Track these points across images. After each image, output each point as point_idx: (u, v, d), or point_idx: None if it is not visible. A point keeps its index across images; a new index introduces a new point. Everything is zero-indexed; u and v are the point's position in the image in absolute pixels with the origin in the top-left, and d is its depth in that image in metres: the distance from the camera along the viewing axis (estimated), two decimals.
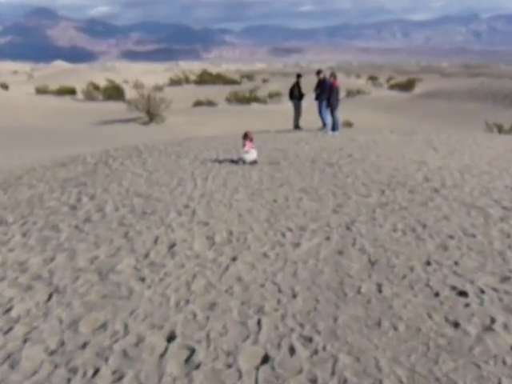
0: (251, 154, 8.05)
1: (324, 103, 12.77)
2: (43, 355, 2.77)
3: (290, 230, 4.74)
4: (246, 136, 8.22)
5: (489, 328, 2.91)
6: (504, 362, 2.58)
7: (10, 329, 3.05)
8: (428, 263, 3.90)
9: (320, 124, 13.50)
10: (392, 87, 59.24)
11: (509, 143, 11.09)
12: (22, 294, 3.52)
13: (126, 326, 3.03)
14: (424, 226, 4.80)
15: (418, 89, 52.93)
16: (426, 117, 30.28)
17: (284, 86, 42.27)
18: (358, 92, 46.45)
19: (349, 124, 21.97)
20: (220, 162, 8.31)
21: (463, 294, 3.36)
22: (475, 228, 4.72)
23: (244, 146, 8.11)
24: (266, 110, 32.55)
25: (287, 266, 3.90)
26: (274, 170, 7.61)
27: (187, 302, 3.33)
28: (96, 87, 48.38)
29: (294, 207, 5.53)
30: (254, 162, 8.01)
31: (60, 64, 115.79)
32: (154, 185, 6.76)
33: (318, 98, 13.00)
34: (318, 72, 13.12)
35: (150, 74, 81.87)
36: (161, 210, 5.51)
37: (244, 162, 7.98)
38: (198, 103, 37.69)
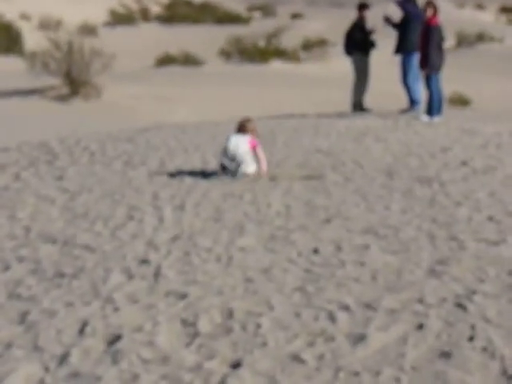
0: (248, 164, 8.13)
1: (413, 60, 12.85)
2: None
3: (346, 308, 4.76)
4: (241, 128, 8.39)
5: None
6: None
7: None
8: None
9: (405, 101, 13.60)
10: None
11: None
12: None
13: None
14: None
15: None
16: None
17: (333, 25, 42.58)
18: (480, 38, 46.61)
19: (462, 101, 22.05)
20: (207, 175, 8.38)
21: None
22: None
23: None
24: (299, 75, 32.81)
25: (340, 380, 3.90)
26: (313, 190, 7.68)
27: None
28: None
29: (353, 263, 5.56)
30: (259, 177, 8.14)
31: None
32: (79, 219, 6.85)
33: (401, 49, 13.13)
34: None
35: (73, 4, 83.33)
36: (93, 268, 5.58)
37: (235, 174, 8.05)
38: (165, 60, 38.04)
